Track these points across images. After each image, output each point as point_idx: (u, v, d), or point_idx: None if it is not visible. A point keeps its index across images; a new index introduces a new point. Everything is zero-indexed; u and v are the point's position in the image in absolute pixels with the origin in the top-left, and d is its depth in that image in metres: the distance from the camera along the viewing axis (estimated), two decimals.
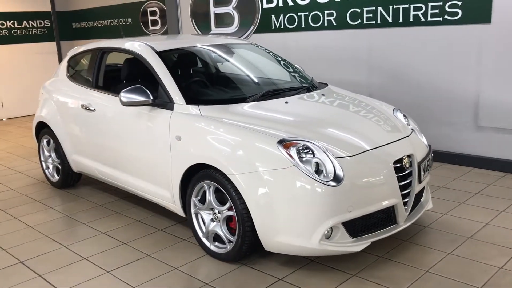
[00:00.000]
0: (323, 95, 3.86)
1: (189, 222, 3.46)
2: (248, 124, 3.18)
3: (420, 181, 3.30)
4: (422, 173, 3.31)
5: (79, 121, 4.42)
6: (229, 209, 3.13)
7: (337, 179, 2.85)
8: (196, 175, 3.30)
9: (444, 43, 5.02)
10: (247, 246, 3.09)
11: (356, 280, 2.94)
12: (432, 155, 3.57)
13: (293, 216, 2.85)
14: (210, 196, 3.23)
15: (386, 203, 3.01)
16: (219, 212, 3.22)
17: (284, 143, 2.94)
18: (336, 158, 2.92)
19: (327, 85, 4.17)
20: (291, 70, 4.36)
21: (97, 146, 4.25)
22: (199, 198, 3.36)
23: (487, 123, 4.91)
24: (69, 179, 4.90)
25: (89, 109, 4.24)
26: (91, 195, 4.75)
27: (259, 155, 2.96)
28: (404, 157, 3.16)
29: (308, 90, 3.93)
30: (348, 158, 2.97)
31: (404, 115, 3.77)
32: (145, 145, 3.67)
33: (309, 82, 4.16)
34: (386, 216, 3.10)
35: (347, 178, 2.86)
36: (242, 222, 3.02)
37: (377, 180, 2.99)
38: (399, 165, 3.10)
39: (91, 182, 5.06)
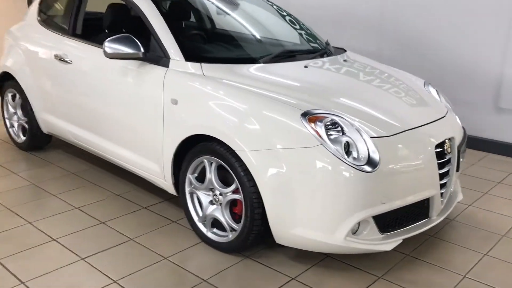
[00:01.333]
0: (345, 61, 3.30)
1: (182, 201, 2.91)
2: (262, 90, 2.60)
3: (457, 169, 2.82)
4: (461, 159, 2.83)
5: (52, 74, 3.75)
6: (235, 191, 2.59)
7: (372, 163, 2.33)
8: (194, 148, 2.73)
9: (470, 12, 4.49)
10: (254, 237, 2.57)
11: (383, 284, 2.46)
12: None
13: (316, 205, 2.33)
14: (211, 175, 2.67)
15: (424, 194, 2.52)
16: (221, 194, 2.67)
17: (309, 116, 2.39)
18: (370, 138, 2.40)
19: (345, 50, 3.61)
20: (304, 30, 3.76)
21: (73, 105, 3.60)
22: (196, 175, 2.80)
23: (509, 105, 4.46)
24: (37, 141, 4.24)
25: (64, 61, 3.58)
26: (62, 160, 4.12)
27: (278, 130, 2.40)
28: (446, 140, 2.67)
29: (325, 54, 3.36)
30: (384, 138, 2.45)
31: (436, 91, 3.25)
32: (131, 107, 3.06)
33: (325, 45, 3.58)
34: (419, 209, 2.62)
35: (383, 162, 2.35)
36: (250, 208, 2.48)
37: (416, 167, 2.49)
38: (439, 150, 2.61)
39: (63, 145, 4.42)
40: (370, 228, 2.42)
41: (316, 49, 3.43)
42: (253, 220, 2.50)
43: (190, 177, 2.80)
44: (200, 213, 2.83)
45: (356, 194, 2.31)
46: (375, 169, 2.32)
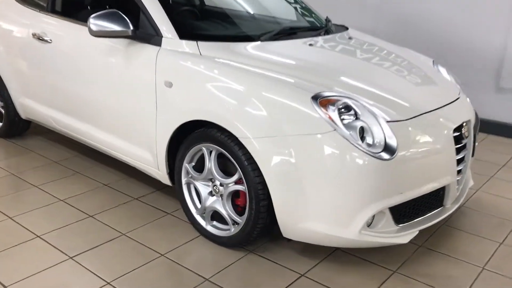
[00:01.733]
0: (350, 38, 3.08)
1: (178, 193, 2.69)
2: (267, 70, 2.37)
3: (473, 154, 2.65)
4: (476, 143, 2.66)
5: (30, 55, 3.44)
6: (237, 182, 2.37)
7: (389, 150, 2.14)
8: (192, 135, 2.50)
9: None
10: (259, 231, 2.37)
11: (399, 279, 2.30)
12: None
13: (329, 197, 2.14)
14: (211, 164, 2.45)
15: (442, 182, 2.35)
16: (221, 185, 2.46)
17: (320, 100, 2.18)
18: (386, 122, 2.20)
19: (347, 28, 3.38)
20: (303, 6, 3.52)
21: (54, 88, 3.32)
22: (193, 164, 2.58)
23: (510, 84, 4.31)
24: (15, 127, 3.94)
25: (43, 40, 3.28)
26: (43, 148, 3.84)
27: (286, 115, 2.18)
28: (464, 124, 2.49)
29: (327, 32, 3.13)
30: (401, 122, 2.25)
31: (446, 70, 3.06)
32: (120, 91, 2.80)
33: (326, 22, 3.35)
34: (434, 197, 2.44)
35: (401, 149, 2.16)
36: (255, 200, 2.28)
37: (435, 153, 2.30)
38: (457, 134, 2.43)
39: (43, 132, 4.13)
40: (386, 220, 2.24)
41: (317, 26, 3.20)
42: (258, 213, 2.30)
43: (187, 166, 2.57)
44: (199, 205, 2.62)
45: (373, 184, 2.12)
46: (393, 156, 2.12)
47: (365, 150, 2.09)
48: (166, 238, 2.59)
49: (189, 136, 2.51)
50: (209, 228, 2.56)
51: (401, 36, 4.74)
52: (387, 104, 2.32)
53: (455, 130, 2.41)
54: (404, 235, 2.29)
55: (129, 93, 2.74)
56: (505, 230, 2.75)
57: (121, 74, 2.76)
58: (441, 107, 2.47)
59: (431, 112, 2.40)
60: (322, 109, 2.14)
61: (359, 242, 2.20)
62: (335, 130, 2.10)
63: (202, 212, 2.58)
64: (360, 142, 2.11)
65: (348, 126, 2.14)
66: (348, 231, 2.17)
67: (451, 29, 4.48)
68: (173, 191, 2.78)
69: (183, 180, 2.62)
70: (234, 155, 2.30)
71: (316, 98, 2.17)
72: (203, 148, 2.46)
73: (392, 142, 2.15)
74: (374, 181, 2.12)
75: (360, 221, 2.16)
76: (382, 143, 2.14)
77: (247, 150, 2.25)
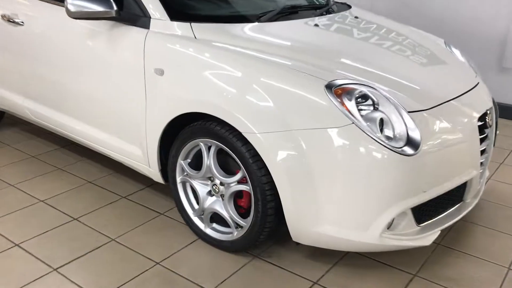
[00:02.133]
0: (356, 18, 2.81)
1: (172, 192, 2.43)
2: (273, 56, 2.11)
3: (494, 144, 2.44)
4: (497, 132, 2.45)
5: (0, 39, 3.10)
6: (241, 181, 2.13)
7: (412, 144, 1.90)
8: (187, 129, 2.23)
9: None
10: (266, 235, 2.14)
11: (421, 284, 2.09)
12: None
13: (347, 198, 1.90)
14: (210, 161, 2.19)
15: (466, 176, 2.14)
16: (222, 184, 2.21)
17: (335, 88, 1.93)
18: (407, 112, 1.96)
19: (350, 6, 3.12)
20: None
21: (29, 76, 2.99)
22: (189, 161, 2.32)
23: None
24: None
25: (14, 22, 2.94)
26: (19, 141, 3.52)
27: (296, 106, 1.93)
28: (488, 111, 2.27)
29: (330, 11, 2.86)
30: (421, 113, 2.02)
31: (460, 52, 2.83)
32: (104, 80, 2.50)
33: (328, 0, 3.08)
34: (454, 192, 2.23)
35: (425, 142, 1.93)
36: (262, 202, 2.04)
37: (460, 145, 2.08)
38: (480, 123, 2.21)
39: (19, 123, 3.80)
40: (408, 221, 2.02)
41: (319, 5, 2.93)
42: (265, 215, 2.06)
43: (182, 163, 2.31)
44: (196, 206, 2.37)
45: (396, 182, 1.89)
46: (417, 151, 1.89)
47: (388, 145, 1.86)
48: (161, 243, 2.34)
49: (185, 130, 2.24)
50: (208, 231, 2.32)
51: (402, 15, 4.49)
52: (405, 91, 2.09)
53: (479, 119, 2.19)
54: (426, 237, 2.07)
55: (114, 82, 2.45)
56: None
57: (104, 61, 2.47)
58: (462, 94, 2.24)
59: (454, 100, 2.17)
60: (338, 99, 1.90)
61: (379, 246, 1.99)
62: (353, 123, 1.86)
63: (200, 213, 2.34)
64: (381, 136, 1.87)
65: (366, 118, 1.90)
66: (367, 234, 1.95)
67: (454, 9, 4.25)
68: (165, 188, 2.52)
69: (178, 179, 2.36)
70: (237, 152, 2.05)
71: (330, 87, 1.92)
72: (201, 143, 2.20)
73: (415, 135, 1.92)
74: (397, 179, 1.89)
75: (381, 224, 1.93)
76: (404, 136, 1.91)
77: (251, 146, 2.00)
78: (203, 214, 2.32)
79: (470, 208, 2.30)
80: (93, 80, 2.56)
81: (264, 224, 2.08)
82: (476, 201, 2.36)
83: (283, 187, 1.96)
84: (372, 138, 1.85)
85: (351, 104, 1.89)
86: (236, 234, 2.21)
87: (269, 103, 1.95)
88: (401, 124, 1.92)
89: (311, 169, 1.90)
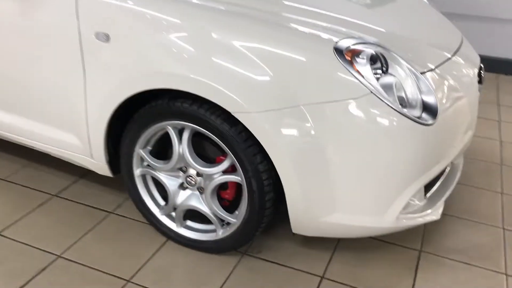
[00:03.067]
0: None
1: (129, 189, 1.96)
2: (260, 12, 1.68)
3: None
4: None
5: None
6: (227, 170, 1.73)
7: (431, 111, 1.65)
8: (148, 109, 1.75)
9: None
10: (261, 231, 1.79)
11: (430, 260, 1.91)
12: None
13: (364, 180, 1.61)
14: (184, 148, 1.75)
15: (467, 139, 1.95)
16: (199, 175, 1.79)
17: (346, 52, 1.57)
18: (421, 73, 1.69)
19: None
20: None
21: None
22: (150, 149, 1.85)
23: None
24: None
25: None
26: None
27: (301, 75, 1.55)
28: (481, 65, 2.08)
29: None
30: (432, 73, 1.76)
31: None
32: (23, 51, 1.89)
33: None
34: None
35: (440, 107, 1.68)
36: (259, 193, 1.67)
37: (465, 106, 1.87)
38: (478, 79, 2.02)
39: None
40: (419, 197, 1.80)
41: None
42: (263, 209, 1.70)
43: (141, 152, 1.84)
44: (162, 202, 1.93)
45: (417, 156, 1.63)
46: (436, 118, 1.64)
47: (408, 115, 1.57)
48: (123, 253, 1.88)
49: (143, 110, 1.76)
50: (182, 231, 1.90)
51: None
52: (409, 49, 1.80)
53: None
54: (434, 210, 1.87)
55: (37, 54, 1.85)
56: (496, 176, 2.51)
57: (22, 25, 1.84)
58: (457, 50, 2.02)
59: (455, 56, 1.94)
60: (350, 64, 1.55)
61: (395, 228, 1.75)
62: (371, 92, 1.54)
63: (170, 211, 1.91)
64: (399, 105, 1.58)
65: (382, 85, 1.58)
66: (384, 219, 1.69)
67: None
68: (104, 177, 2.03)
69: (137, 171, 1.89)
70: (223, 136, 1.63)
71: (339, 50, 1.56)
72: (169, 127, 1.74)
73: (431, 100, 1.65)
74: (419, 152, 1.63)
75: (399, 205, 1.68)
76: (420, 102, 1.63)
77: (242, 128, 1.60)
78: (175, 211, 1.90)
79: (460, 169, 2.15)
80: (7, 51, 1.92)
81: (261, 219, 1.73)
82: (462, 161, 2.22)
83: (288, 175, 1.60)
84: (392, 108, 1.56)
85: (366, 70, 1.56)
86: (222, 232, 1.82)
87: (265, 73, 1.54)
88: (414, 88, 1.64)
89: (323, 150, 1.56)
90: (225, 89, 1.56)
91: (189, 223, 1.91)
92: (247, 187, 1.68)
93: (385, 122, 1.55)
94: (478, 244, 2.01)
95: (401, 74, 1.64)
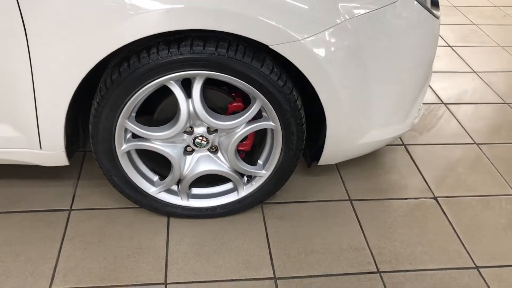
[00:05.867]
0: None
1: (106, 172, 1.49)
2: None
3: None
4: None
5: None
6: (255, 118, 1.42)
7: (435, 4, 1.59)
8: (138, 66, 1.28)
9: None
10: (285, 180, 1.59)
11: (361, 204, 1.96)
12: None
13: (400, 87, 1.52)
14: (195, 103, 1.35)
15: None
16: (210, 132, 1.44)
17: None
18: None
19: None
20: None
21: None
22: (134, 115, 1.40)
23: None
24: None
25: None
26: None
27: None
28: None
29: None
30: None
31: None
32: None
33: None
34: None
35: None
36: (298, 135, 1.44)
37: None
38: None
39: None
40: None
41: None
42: (300, 151, 1.48)
43: (127, 123, 1.38)
44: (154, 178, 1.53)
45: (434, 53, 1.60)
46: (439, 10, 1.60)
47: (431, 11, 1.50)
48: (129, 255, 1.46)
49: (134, 66, 1.28)
50: (193, 203, 1.56)
51: None
52: None
53: None
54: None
55: None
56: None
57: None
58: None
59: None
60: None
61: (405, 133, 1.74)
62: None
63: (171, 184, 1.53)
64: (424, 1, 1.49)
65: None
66: (405, 124, 1.65)
67: None
68: (32, 172, 1.50)
69: (122, 148, 1.42)
70: (250, 78, 1.31)
71: None
72: (172, 82, 1.32)
73: None
74: (435, 50, 1.60)
75: (416, 108, 1.66)
76: None
77: (272, 64, 1.31)
78: (179, 185, 1.52)
79: None
80: None
81: (296, 162, 1.52)
82: None
83: (331, 101, 1.41)
84: (422, 7, 1.45)
85: None
86: (244, 189, 1.55)
87: None
88: None
89: (364, 64, 1.40)
90: (269, 20, 1.22)
91: (196, 190, 1.57)
92: (283, 131, 1.42)
93: (419, 22, 1.47)
94: (403, 185, 2.14)
95: None
